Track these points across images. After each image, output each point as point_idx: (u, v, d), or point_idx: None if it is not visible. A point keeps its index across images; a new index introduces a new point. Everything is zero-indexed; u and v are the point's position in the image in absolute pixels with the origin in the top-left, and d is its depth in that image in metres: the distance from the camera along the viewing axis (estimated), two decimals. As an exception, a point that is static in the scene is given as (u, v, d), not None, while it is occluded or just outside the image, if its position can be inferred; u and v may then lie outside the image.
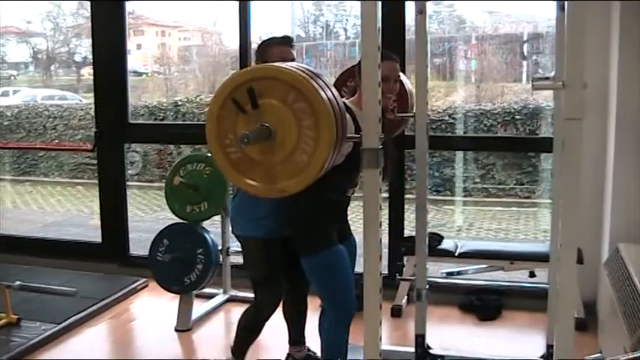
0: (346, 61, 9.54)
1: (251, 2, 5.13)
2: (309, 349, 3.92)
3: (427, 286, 3.77)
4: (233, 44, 10.99)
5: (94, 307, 4.84)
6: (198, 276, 4.44)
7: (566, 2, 2.59)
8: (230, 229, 3.82)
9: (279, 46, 3.48)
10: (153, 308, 4.98)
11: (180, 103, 10.45)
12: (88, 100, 10.48)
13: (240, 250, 3.73)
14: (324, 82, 2.24)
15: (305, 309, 3.81)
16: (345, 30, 10.49)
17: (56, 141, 10.85)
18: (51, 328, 4.47)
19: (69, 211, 10.02)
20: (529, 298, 4.65)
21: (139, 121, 9.39)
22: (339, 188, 3.14)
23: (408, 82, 3.80)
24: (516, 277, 4.92)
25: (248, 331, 3.64)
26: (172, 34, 12.47)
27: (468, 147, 6.62)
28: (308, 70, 2.26)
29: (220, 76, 11.15)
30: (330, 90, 2.24)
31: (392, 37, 4.73)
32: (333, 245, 3.13)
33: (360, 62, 3.06)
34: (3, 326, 4.47)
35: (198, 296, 4.78)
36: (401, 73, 3.45)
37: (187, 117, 10.23)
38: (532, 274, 4.50)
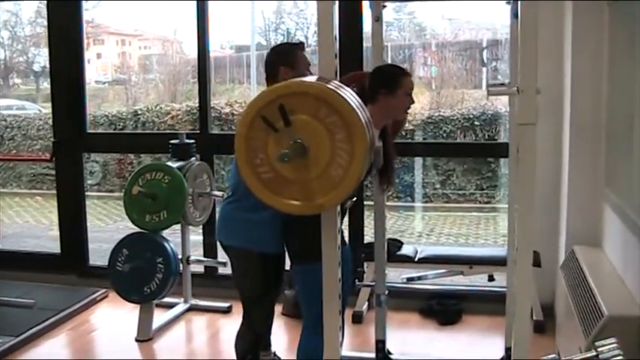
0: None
1: (208, 2, 5.11)
2: (274, 354, 3.90)
3: (386, 292, 3.80)
4: (193, 53, 11.03)
5: (53, 319, 4.76)
6: (158, 285, 4.41)
7: (518, 7, 2.64)
8: (217, 235, 3.43)
9: (303, 52, 3.39)
10: (113, 319, 4.92)
11: (139, 112, 10.39)
12: (47, 110, 10.34)
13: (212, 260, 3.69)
14: (349, 92, 2.19)
15: (273, 314, 3.68)
16: (307, 38, 10.48)
17: (14, 151, 10.74)
18: (8, 340, 4.38)
19: (27, 222, 9.87)
20: (488, 302, 4.68)
21: (98, 131, 9.33)
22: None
23: None
24: (476, 281, 4.97)
25: (250, 354, 3.47)
26: (132, 42, 12.49)
27: (427, 153, 6.69)
28: (333, 81, 2.21)
29: (181, 84, 11.19)
30: (355, 99, 2.19)
31: (349, 44, 4.80)
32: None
33: (375, 71, 3.15)
34: None
35: (158, 306, 4.74)
36: None
37: (147, 126, 10.17)
38: (491, 278, 4.54)
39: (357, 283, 4.33)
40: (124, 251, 4.46)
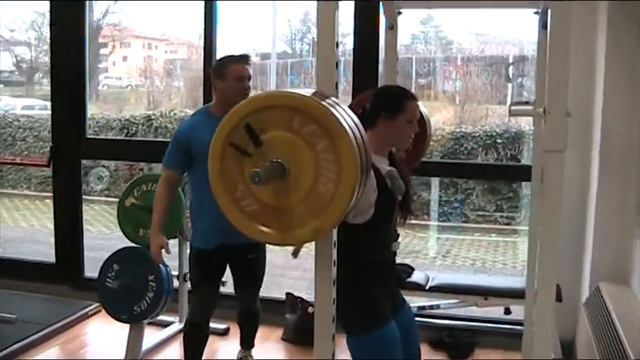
0: None
1: (217, 2, 4.88)
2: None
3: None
4: (217, 58, 10.89)
5: (40, 334, 4.53)
6: (149, 304, 4.12)
7: (548, 18, 2.33)
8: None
9: (236, 64, 3.52)
10: (105, 335, 4.65)
11: (153, 117, 10.18)
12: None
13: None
14: (332, 100, 1.90)
15: (252, 315, 4.02)
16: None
17: (25, 152, 10.56)
18: None
19: (32, 227, 9.67)
20: (503, 336, 4.41)
21: (99, 136, 9.13)
22: (380, 244, 2.66)
23: (424, 108, 3.54)
24: (491, 313, 4.64)
25: (185, 338, 3.74)
26: (159, 46, 12.38)
27: (445, 174, 6.36)
28: (330, 98, 1.93)
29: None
30: (340, 106, 1.90)
31: (364, 55, 4.52)
32: (384, 323, 2.55)
33: (377, 91, 2.81)
34: None
35: (152, 324, 4.47)
36: None
37: (159, 132, 9.97)
38: (507, 311, 4.24)
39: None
40: (115, 266, 4.19)
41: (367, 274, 2.59)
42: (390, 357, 2.55)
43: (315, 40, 2.07)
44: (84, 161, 6.05)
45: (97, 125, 10.21)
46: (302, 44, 11.17)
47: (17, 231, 9.41)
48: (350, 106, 3.44)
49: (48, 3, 5.28)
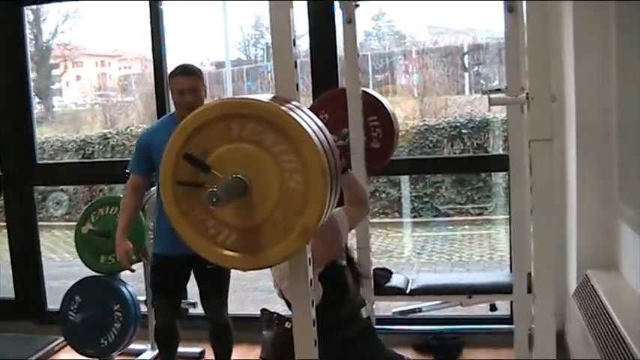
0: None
1: (161, 3, 4.67)
2: None
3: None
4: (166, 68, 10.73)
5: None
6: (116, 336, 3.92)
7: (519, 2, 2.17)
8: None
9: (176, 77, 3.53)
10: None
11: (109, 135, 9.91)
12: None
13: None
14: (292, 105, 1.71)
15: (223, 329, 3.88)
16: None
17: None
18: None
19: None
20: (491, 334, 4.28)
21: (50, 161, 8.84)
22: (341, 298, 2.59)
23: (388, 104, 3.36)
24: (476, 311, 4.48)
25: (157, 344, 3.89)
26: (112, 63, 12.19)
27: (413, 171, 6.17)
28: (292, 102, 1.75)
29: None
30: (302, 109, 1.72)
31: (322, 54, 4.33)
32: None
33: None
34: None
35: (124, 353, 4.24)
36: (376, 93, 3.17)
37: (117, 150, 9.70)
38: (493, 308, 4.05)
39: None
40: (77, 298, 3.98)
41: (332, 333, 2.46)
42: None
43: (270, 43, 1.89)
44: (41, 187, 5.81)
45: (51, 148, 9.91)
46: (256, 49, 11.15)
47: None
48: (311, 108, 3.31)
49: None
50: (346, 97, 3.15)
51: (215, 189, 1.56)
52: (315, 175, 1.59)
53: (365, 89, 3.20)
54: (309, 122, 1.67)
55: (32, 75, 11.23)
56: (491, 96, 1.97)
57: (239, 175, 1.62)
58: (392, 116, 3.30)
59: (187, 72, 3.55)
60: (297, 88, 1.85)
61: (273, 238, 1.65)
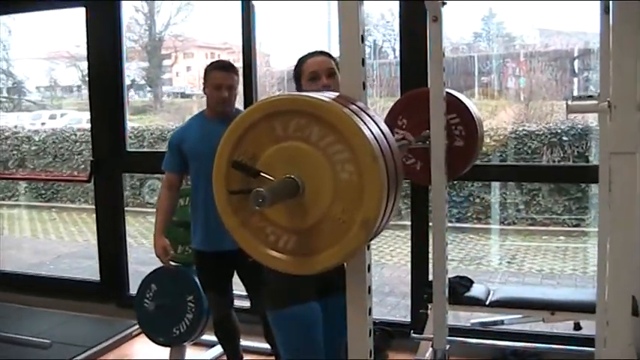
0: (392, 81, 9.35)
1: (254, 3, 4.65)
2: None
3: (447, 347, 3.15)
4: (279, 65, 10.85)
5: (81, 356, 4.37)
6: (188, 326, 3.91)
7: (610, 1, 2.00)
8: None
9: (216, 72, 3.53)
10: (148, 357, 4.40)
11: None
12: (132, 122, 10.18)
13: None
14: (357, 106, 1.63)
15: (233, 328, 3.86)
16: (394, 50, 10.11)
17: (82, 166, 10.56)
18: None
19: (87, 241, 9.58)
20: (574, 354, 3.99)
21: (140, 150, 9.00)
22: None
23: (474, 106, 3.23)
24: (559, 328, 4.26)
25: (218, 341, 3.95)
26: (221, 55, 12.19)
27: (507, 178, 5.95)
28: (357, 102, 1.67)
29: (265, 96, 10.78)
30: (366, 112, 1.63)
31: (412, 50, 4.22)
32: (300, 302, 2.63)
33: None
34: None
35: (197, 344, 4.25)
36: (460, 95, 3.10)
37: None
38: (577, 327, 3.84)
39: (413, 334, 3.69)
40: (153, 286, 3.99)
41: None
42: (304, 335, 2.63)
43: (376, 41, 1.80)
44: (140, 174, 5.90)
45: (151, 137, 10.13)
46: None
47: (71, 246, 9.38)
48: (392, 109, 3.21)
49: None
50: (427, 98, 3.03)
51: (260, 189, 1.48)
52: (366, 163, 1.50)
53: (448, 90, 3.05)
54: (372, 126, 1.57)
55: (144, 64, 11.64)
56: (570, 103, 1.82)
57: (291, 176, 1.56)
58: (476, 120, 3.15)
59: (229, 68, 3.57)
60: (364, 87, 1.75)
61: (334, 236, 1.56)
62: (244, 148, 1.61)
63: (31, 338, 4.08)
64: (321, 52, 2.76)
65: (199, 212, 3.60)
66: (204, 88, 3.61)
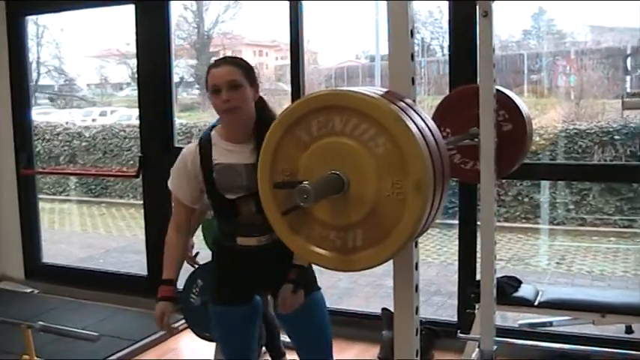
0: (440, 78, 9.26)
1: (303, 2, 4.65)
2: None
3: (495, 347, 3.11)
4: (327, 63, 10.85)
5: (128, 350, 4.45)
6: (233, 322, 3.90)
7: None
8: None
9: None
10: (195, 352, 4.47)
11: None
12: (181, 119, 10.29)
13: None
14: (404, 103, 1.61)
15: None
16: (442, 47, 10.00)
17: (131, 162, 10.69)
18: None
19: (135, 236, 9.70)
20: (625, 357, 3.88)
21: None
22: (225, 231, 2.80)
23: (523, 104, 3.19)
24: (609, 331, 4.17)
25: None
26: (269, 53, 12.47)
27: (557, 177, 5.83)
28: (405, 99, 1.65)
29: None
30: (413, 108, 1.62)
31: (462, 45, 4.18)
32: (221, 303, 2.83)
33: None
34: None
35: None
36: (509, 92, 3.09)
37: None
38: (629, 330, 3.76)
39: (460, 334, 3.65)
40: (199, 282, 3.98)
41: (219, 256, 2.89)
42: (225, 334, 2.87)
43: (424, 38, 1.79)
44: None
45: (199, 133, 10.18)
46: (411, 44, 10.97)
47: (120, 240, 9.50)
48: (440, 106, 3.18)
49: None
50: (473, 95, 2.99)
51: (305, 184, 1.47)
52: (416, 180, 1.49)
53: (497, 87, 3.01)
54: (419, 122, 1.55)
55: (193, 62, 11.75)
56: (625, 99, 1.77)
57: (336, 172, 1.54)
58: (523, 112, 3.10)
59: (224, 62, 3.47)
60: (413, 82, 1.73)
61: (391, 215, 1.53)
62: (288, 143, 1.61)
63: (79, 331, 4.11)
64: (226, 61, 2.67)
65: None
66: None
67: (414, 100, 1.68)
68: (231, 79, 2.58)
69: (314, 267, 2.80)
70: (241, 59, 2.72)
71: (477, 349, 3.65)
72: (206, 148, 2.68)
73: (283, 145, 1.63)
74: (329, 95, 1.60)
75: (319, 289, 2.87)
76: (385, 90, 1.68)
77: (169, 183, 2.90)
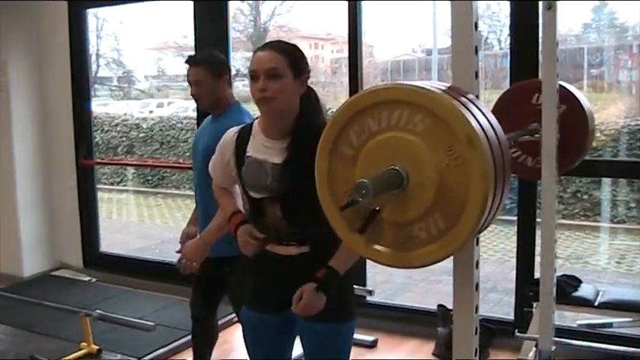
0: (497, 72, 9.28)
1: (362, 2, 4.64)
2: None
3: (553, 347, 3.04)
4: (383, 56, 10.82)
5: (183, 340, 4.45)
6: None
7: None
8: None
9: (256, 52, 3.18)
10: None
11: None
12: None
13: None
14: (467, 98, 1.57)
15: (211, 333, 3.81)
16: (500, 41, 9.98)
17: (187, 154, 10.80)
18: None
19: (193, 227, 9.86)
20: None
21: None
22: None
23: (585, 98, 3.12)
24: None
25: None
26: (325, 46, 12.50)
27: (618, 174, 5.71)
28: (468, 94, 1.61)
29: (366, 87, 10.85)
30: (475, 104, 1.58)
31: (523, 40, 4.10)
32: (244, 306, 2.64)
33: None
34: (83, 356, 4.24)
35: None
36: (571, 87, 3.01)
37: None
38: (694, 333, 3.66)
39: (517, 333, 3.58)
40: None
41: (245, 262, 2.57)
42: (247, 338, 2.64)
43: (482, 32, 1.75)
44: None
45: (251, 126, 10.26)
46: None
47: (176, 231, 9.52)
48: (499, 101, 3.12)
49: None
50: (534, 90, 2.93)
51: (364, 180, 1.45)
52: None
53: (559, 81, 2.94)
54: (481, 119, 1.52)
55: (249, 55, 11.77)
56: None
57: (395, 167, 1.51)
58: (587, 114, 3.03)
59: (189, 62, 3.38)
60: (477, 77, 1.69)
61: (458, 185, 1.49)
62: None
63: (136, 320, 4.18)
64: (271, 46, 2.40)
65: (198, 213, 3.50)
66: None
67: (477, 96, 1.64)
68: (270, 66, 2.32)
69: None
70: (290, 45, 2.44)
71: (534, 349, 3.58)
72: (243, 138, 2.47)
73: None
74: (392, 90, 1.57)
75: (354, 319, 2.54)
76: (448, 85, 1.64)
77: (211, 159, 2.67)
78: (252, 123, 2.51)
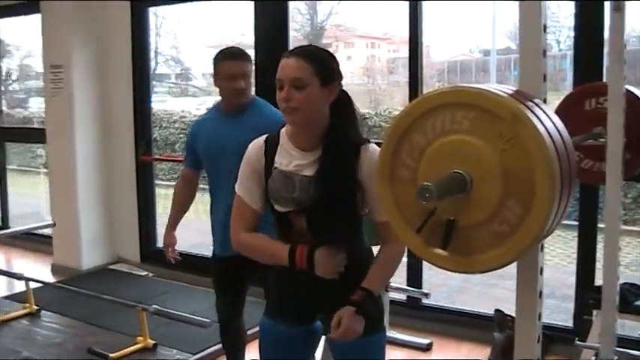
0: (555, 74, 9.12)
1: (423, 2, 4.66)
2: None
3: (616, 358, 2.97)
4: (439, 57, 10.75)
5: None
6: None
7: None
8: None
9: (226, 62, 3.24)
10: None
11: (367, 116, 10.05)
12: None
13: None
14: (533, 102, 1.54)
15: (239, 336, 3.75)
16: (558, 42, 9.81)
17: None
18: (184, 358, 4.26)
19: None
20: None
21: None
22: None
23: None
24: None
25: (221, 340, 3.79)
26: (381, 45, 12.46)
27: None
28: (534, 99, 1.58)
29: (426, 88, 10.73)
30: (540, 107, 1.54)
31: (587, 41, 4.03)
32: (267, 316, 2.53)
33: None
34: (139, 350, 4.30)
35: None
36: (636, 90, 2.91)
37: (374, 130, 9.82)
38: None
39: (577, 341, 3.51)
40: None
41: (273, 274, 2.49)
42: (265, 348, 2.54)
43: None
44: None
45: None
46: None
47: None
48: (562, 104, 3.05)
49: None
50: (598, 93, 2.87)
51: (427, 183, 1.43)
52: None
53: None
54: (547, 123, 1.49)
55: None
56: None
57: (459, 171, 1.49)
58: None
59: (239, 56, 3.29)
60: (545, 80, 1.66)
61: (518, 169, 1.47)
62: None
63: (191, 316, 4.21)
64: (297, 53, 2.30)
65: (219, 216, 3.38)
66: (215, 81, 3.31)
67: (544, 100, 1.61)
68: (295, 76, 2.22)
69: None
70: (319, 50, 2.35)
71: (594, 358, 3.52)
72: (271, 146, 2.36)
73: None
74: (455, 92, 1.55)
75: (384, 329, 2.50)
76: (515, 89, 1.61)
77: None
78: (280, 131, 2.41)
